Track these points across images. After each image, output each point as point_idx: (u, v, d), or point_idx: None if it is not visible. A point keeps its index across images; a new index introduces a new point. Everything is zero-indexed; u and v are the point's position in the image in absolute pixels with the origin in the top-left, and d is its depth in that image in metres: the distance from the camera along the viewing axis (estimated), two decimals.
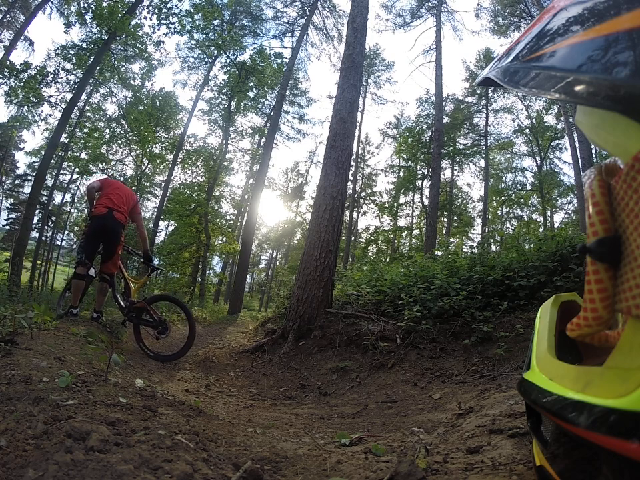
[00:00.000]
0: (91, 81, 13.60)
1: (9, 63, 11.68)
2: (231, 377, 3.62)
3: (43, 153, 13.27)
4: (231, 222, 20.12)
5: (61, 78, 13.12)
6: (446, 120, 19.18)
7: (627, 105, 0.40)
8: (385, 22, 18.56)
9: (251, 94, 16.80)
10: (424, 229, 18.19)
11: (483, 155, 21.30)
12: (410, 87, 71.53)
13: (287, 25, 17.61)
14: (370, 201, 25.69)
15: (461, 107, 22.20)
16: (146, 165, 18.85)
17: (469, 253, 7.61)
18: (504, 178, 23.94)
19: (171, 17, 11.67)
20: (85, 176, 20.69)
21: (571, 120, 12.55)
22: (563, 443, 0.60)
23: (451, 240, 18.18)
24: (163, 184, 17.98)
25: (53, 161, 13.87)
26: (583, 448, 0.53)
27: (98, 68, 12.60)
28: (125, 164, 19.85)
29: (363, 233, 26.42)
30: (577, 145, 11.67)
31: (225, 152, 17.25)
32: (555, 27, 0.58)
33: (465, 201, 24.74)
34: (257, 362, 4.12)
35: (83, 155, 17.58)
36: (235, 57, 15.03)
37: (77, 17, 11.84)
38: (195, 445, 1.02)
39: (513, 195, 23.00)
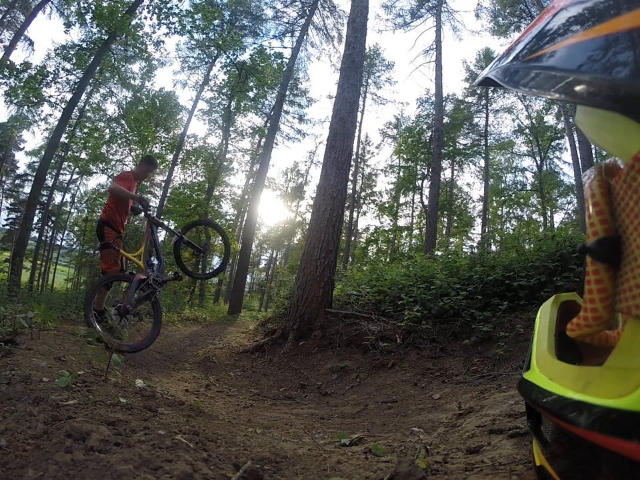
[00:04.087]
0: (91, 81, 13.61)
1: (9, 63, 11.68)
2: (230, 376, 3.62)
3: (43, 153, 13.28)
4: (231, 222, 20.12)
5: (61, 78, 13.14)
6: (446, 120, 19.18)
7: (626, 105, 0.40)
8: (385, 22, 18.57)
9: (251, 94, 16.81)
10: (424, 229, 18.19)
11: (483, 155, 21.30)
12: (410, 86, 71.51)
13: (287, 25, 17.62)
14: (370, 201, 25.69)
15: (461, 107, 22.18)
16: None
17: (469, 253, 7.61)
18: (504, 178, 23.92)
19: (171, 17, 11.67)
20: (84, 176, 20.72)
21: (571, 120, 12.55)
22: (563, 442, 0.60)
23: (451, 240, 18.16)
24: (163, 184, 18.00)
25: (53, 161, 13.88)
26: (583, 448, 0.53)
27: (98, 68, 12.60)
28: (125, 164, 19.84)
29: (363, 233, 26.42)
30: (577, 145, 11.67)
31: (224, 152, 17.26)
32: (555, 26, 0.58)
33: (465, 201, 24.74)
34: (257, 362, 4.12)
35: (83, 155, 17.58)
36: (235, 56, 15.04)
37: (76, 17, 11.82)
38: (195, 445, 1.02)
39: (513, 194, 22.99)
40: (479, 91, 21.18)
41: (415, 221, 24.10)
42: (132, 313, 3.24)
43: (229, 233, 17.34)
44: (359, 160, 25.03)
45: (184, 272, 3.77)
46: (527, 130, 21.20)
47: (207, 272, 3.99)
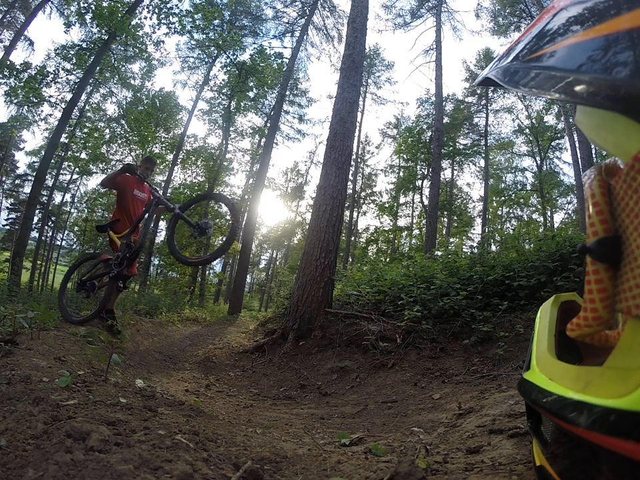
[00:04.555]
0: (91, 81, 13.61)
1: (9, 62, 11.69)
2: (230, 376, 3.62)
3: (43, 153, 13.28)
4: (231, 222, 20.09)
5: (61, 78, 13.15)
6: (446, 120, 19.17)
7: (627, 105, 0.40)
8: (385, 22, 18.58)
9: (251, 94, 16.80)
10: (424, 229, 18.19)
11: (483, 155, 21.30)
12: (410, 86, 71.52)
13: (287, 25, 17.62)
14: (370, 201, 25.69)
15: (461, 107, 22.19)
16: None
17: (469, 253, 7.61)
18: (504, 178, 23.93)
19: (170, 17, 11.69)
20: (84, 176, 20.73)
21: (571, 120, 12.54)
22: (563, 442, 0.60)
23: (451, 240, 18.17)
24: (163, 184, 17.99)
25: (53, 161, 13.88)
26: (583, 448, 0.53)
27: (98, 68, 12.60)
28: None
29: (363, 233, 26.43)
30: (577, 145, 11.67)
31: (224, 152, 17.25)
32: (555, 26, 0.58)
33: (465, 201, 24.75)
34: (257, 362, 4.12)
35: (83, 155, 17.59)
36: (235, 56, 15.03)
37: (76, 17, 11.83)
38: (195, 445, 1.02)
39: (513, 194, 23.00)
40: (479, 91, 21.18)
41: (415, 220, 24.12)
42: (82, 287, 3.48)
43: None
44: (359, 160, 25.03)
45: (175, 257, 3.32)
46: (527, 130, 21.20)
47: (204, 256, 3.41)
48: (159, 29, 12.03)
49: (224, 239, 3.17)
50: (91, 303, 3.69)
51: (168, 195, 16.46)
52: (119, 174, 3.67)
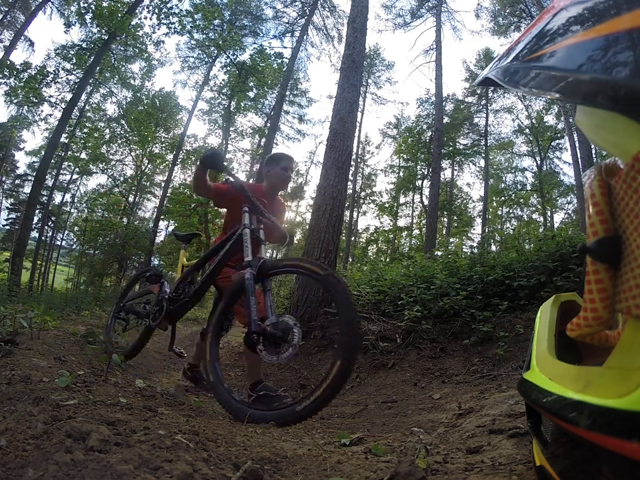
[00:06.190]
0: (91, 81, 13.62)
1: (9, 62, 11.70)
2: (230, 376, 3.62)
3: (43, 153, 13.29)
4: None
5: (61, 78, 13.17)
6: (446, 120, 19.18)
7: (626, 105, 0.40)
8: (385, 22, 18.59)
9: (251, 94, 16.83)
10: (424, 229, 18.20)
11: (483, 155, 21.31)
12: (410, 86, 71.45)
13: (287, 25, 17.61)
14: (370, 201, 25.70)
15: (461, 107, 22.20)
16: (146, 165, 18.86)
17: (469, 253, 7.60)
18: (504, 178, 23.94)
19: (171, 17, 11.72)
20: (85, 176, 20.73)
21: (571, 120, 12.55)
22: (563, 442, 0.60)
23: (451, 240, 18.16)
24: (163, 184, 18.01)
25: (53, 161, 13.88)
26: (583, 448, 0.53)
27: (98, 68, 12.63)
28: (125, 164, 19.85)
29: (363, 233, 26.43)
30: (577, 145, 11.68)
31: (224, 152, 17.25)
32: (555, 26, 0.58)
33: (465, 201, 24.76)
34: None
35: (83, 155, 17.60)
36: (235, 56, 15.05)
37: (76, 17, 11.85)
38: (195, 445, 1.02)
39: (513, 194, 23.01)
40: (479, 91, 21.18)
41: (415, 220, 24.14)
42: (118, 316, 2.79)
43: None
44: (359, 160, 25.02)
45: None
46: (527, 130, 21.21)
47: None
48: (158, 28, 12.09)
49: None
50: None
51: (168, 194, 16.47)
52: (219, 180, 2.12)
